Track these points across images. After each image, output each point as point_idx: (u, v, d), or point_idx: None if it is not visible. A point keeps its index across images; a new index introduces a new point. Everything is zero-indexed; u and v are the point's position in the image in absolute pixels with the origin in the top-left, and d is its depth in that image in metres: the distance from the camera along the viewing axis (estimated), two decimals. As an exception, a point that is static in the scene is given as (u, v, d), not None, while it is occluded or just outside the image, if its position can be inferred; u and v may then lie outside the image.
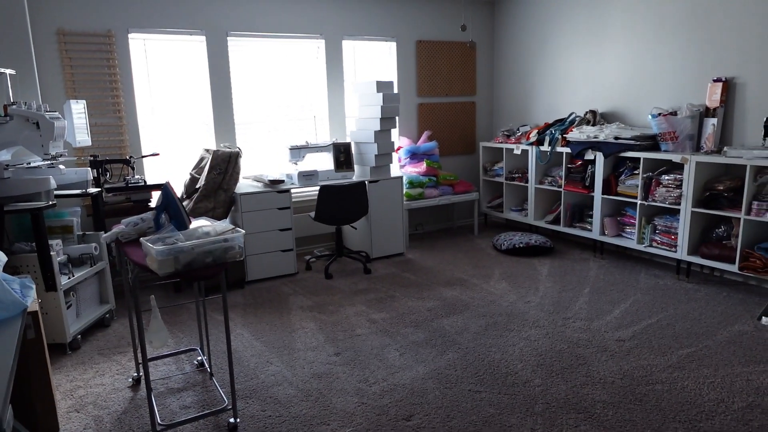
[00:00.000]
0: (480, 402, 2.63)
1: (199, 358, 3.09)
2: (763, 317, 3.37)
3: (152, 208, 3.46)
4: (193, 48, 4.71)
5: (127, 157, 4.13)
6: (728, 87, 4.11)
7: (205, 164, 4.35)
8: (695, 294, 3.93)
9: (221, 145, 4.76)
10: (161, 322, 2.31)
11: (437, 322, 3.58)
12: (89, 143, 3.76)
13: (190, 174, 4.45)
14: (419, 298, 4.03)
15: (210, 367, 2.95)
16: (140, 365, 2.96)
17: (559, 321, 3.54)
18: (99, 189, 3.71)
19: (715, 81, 4.14)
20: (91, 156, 3.91)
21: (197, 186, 4.30)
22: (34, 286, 2.02)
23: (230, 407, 2.49)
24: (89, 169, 3.65)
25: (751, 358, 2.96)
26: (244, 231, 2.10)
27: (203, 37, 4.68)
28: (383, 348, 3.24)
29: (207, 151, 4.48)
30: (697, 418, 2.44)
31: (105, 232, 3.60)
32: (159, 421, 2.49)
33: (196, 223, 2.30)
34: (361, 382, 2.85)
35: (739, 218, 3.76)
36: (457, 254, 5.19)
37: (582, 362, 2.98)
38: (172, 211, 2.27)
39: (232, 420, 2.45)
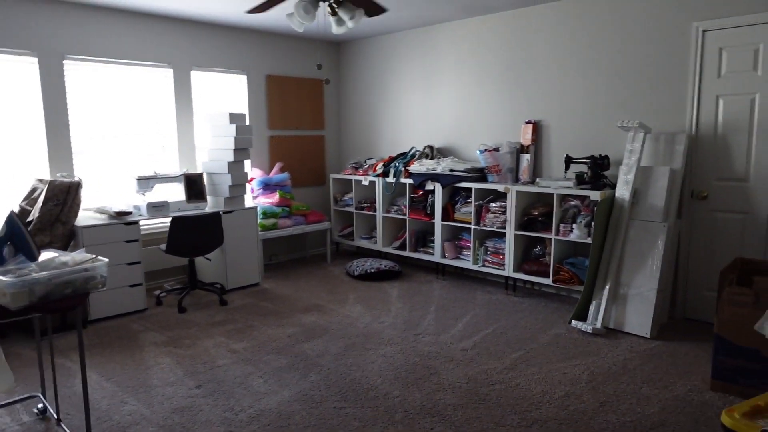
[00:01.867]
0: (345, 417, 2.78)
1: (41, 405, 2.82)
2: (573, 321, 4.02)
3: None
4: (22, 69, 4.33)
5: (-60, 188, 3.64)
6: (537, 128, 4.89)
7: (39, 195, 3.99)
8: (521, 306, 4.53)
9: (57, 174, 4.40)
10: (5, 362, 2.11)
11: (298, 347, 3.68)
12: None
13: (20, 206, 4.04)
14: (278, 326, 4.09)
15: (57, 412, 2.71)
16: (-33, 420, 2.62)
17: (410, 337, 3.85)
18: None
19: (526, 123, 4.90)
20: None
21: (29, 219, 3.92)
22: None
23: (85, 451, 2.33)
24: None
25: (566, 354, 3.52)
26: (107, 259, 2.05)
27: (35, 59, 4.34)
28: (246, 376, 3.25)
29: (40, 181, 4.11)
30: (528, 409, 2.85)
31: None
32: (-1, 476, 2.24)
33: (46, 255, 2.17)
34: (227, 412, 2.84)
35: (551, 238, 4.46)
36: (312, 282, 5.34)
37: (433, 372, 3.29)
38: (18, 243, 2.12)
39: (87, 465, 2.30)
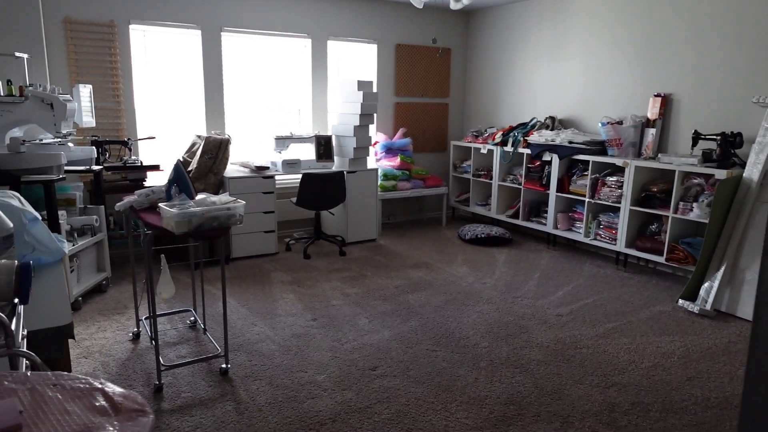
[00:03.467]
0: (435, 358, 3.11)
1: (192, 318, 3.50)
2: (680, 300, 3.94)
3: (147, 187, 3.84)
4: (189, 40, 5.09)
5: (126, 139, 4.49)
6: (666, 102, 4.68)
7: (197, 149, 4.74)
8: (629, 281, 4.49)
9: (212, 132, 5.15)
10: (169, 276, 2.72)
11: (403, 297, 4.06)
12: (93, 124, 4.11)
13: (183, 157, 4.83)
14: (388, 277, 4.51)
15: (204, 323, 3.37)
16: (140, 322, 3.36)
17: (509, 299, 4.05)
18: (100, 167, 4.07)
19: (655, 96, 4.71)
20: (93, 136, 4.27)
21: (189, 169, 4.68)
22: (65, 241, 2.42)
23: (223, 354, 2.91)
24: (94, 147, 4.01)
25: (664, 331, 3.52)
26: (244, 202, 2.54)
27: (199, 31, 5.06)
28: (354, 316, 3.70)
29: (199, 137, 4.86)
30: (611, 373, 2.96)
31: (104, 206, 3.98)
32: (162, 362, 2.90)
33: (200, 196, 2.71)
34: (335, 342, 3.30)
35: (668, 216, 4.33)
36: (424, 242, 5.68)
37: (524, 331, 3.49)
38: (182, 184, 2.68)
39: (224, 365, 2.88)
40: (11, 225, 1.80)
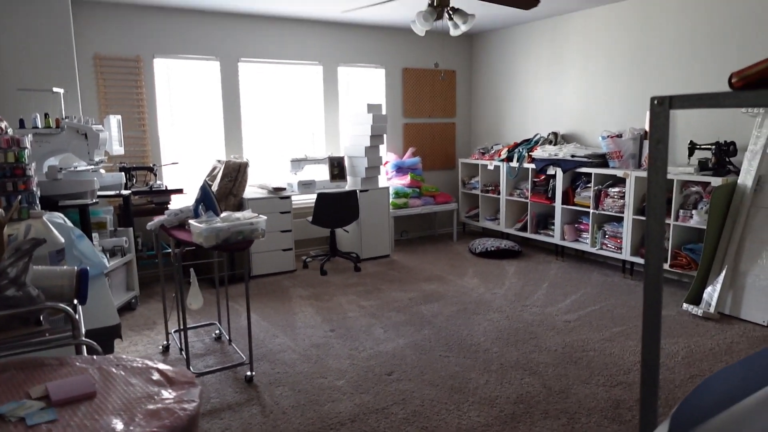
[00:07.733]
0: (448, 363, 3.27)
1: (217, 331, 3.71)
2: (684, 304, 4.07)
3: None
4: (208, 71, 5.40)
5: (151, 165, 4.77)
6: (664, 114, 4.86)
7: (218, 173, 5.00)
8: (635, 288, 4.63)
9: (231, 156, 5.42)
10: (198, 288, 2.93)
11: (416, 308, 4.24)
12: (122, 152, 4.39)
13: (204, 181, 5.08)
14: (402, 290, 4.69)
15: (229, 335, 3.58)
16: (169, 335, 3.57)
17: (518, 307, 4.21)
18: (128, 192, 4.34)
19: (653, 109, 4.89)
20: (120, 163, 4.54)
21: (210, 191, 4.93)
22: (105, 256, 2.65)
23: (248, 362, 3.11)
24: (123, 174, 4.28)
25: (669, 333, 3.65)
26: (265, 217, 2.76)
27: (218, 62, 5.37)
28: (370, 326, 3.88)
29: (219, 161, 5.13)
30: (616, 373, 3.11)
31: (133, 229, 4.23)
32: (192, 370, 3.10)
33: (225, 213, 2.94)
34: (352, 350, 3.48)
35: (670, 224, 4.48)
36: (436, 256, 5.86)
37: (533, 336, 3.64)
38: (208, 203, 2.92)
39: (249, 373, 3.08)
40: (63, 240, 2.04)
